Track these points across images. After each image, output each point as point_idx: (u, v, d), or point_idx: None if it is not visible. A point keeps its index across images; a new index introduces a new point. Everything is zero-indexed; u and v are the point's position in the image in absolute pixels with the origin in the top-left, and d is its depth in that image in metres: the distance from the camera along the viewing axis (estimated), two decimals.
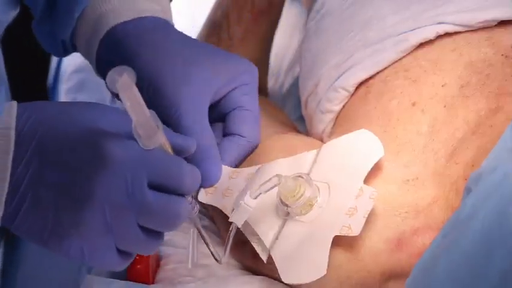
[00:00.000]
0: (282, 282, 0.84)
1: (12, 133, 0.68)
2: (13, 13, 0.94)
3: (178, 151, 0.73)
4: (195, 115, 0.83)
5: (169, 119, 0.83)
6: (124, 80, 0.62)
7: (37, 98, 1.51)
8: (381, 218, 0.79)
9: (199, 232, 0.81)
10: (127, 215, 0.68)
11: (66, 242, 0.68)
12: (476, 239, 0.64)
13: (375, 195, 0.78)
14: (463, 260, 0.64)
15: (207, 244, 0.82)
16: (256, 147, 0.89)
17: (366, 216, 0.78)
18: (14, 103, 0.69)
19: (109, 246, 0.69)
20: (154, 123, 0.67)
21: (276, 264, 0.80)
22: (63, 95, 1.32)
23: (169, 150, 0.71)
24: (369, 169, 0.81)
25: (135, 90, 0.64)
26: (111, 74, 0.62)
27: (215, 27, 1.15)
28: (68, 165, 0.68)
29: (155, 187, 0.69)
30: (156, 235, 0.71)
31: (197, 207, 0.77)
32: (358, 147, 0.83)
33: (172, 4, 1.44)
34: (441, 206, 0.80)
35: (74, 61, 1.40)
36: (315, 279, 0.78)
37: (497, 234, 0.62)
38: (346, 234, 0.78)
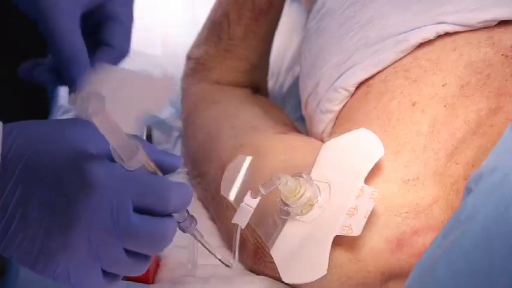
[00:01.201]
0: (283, 282, 0.84)
1: None
2: None
3: (163, 168, 0.73)
4: (66, 23, 0.84)
5: (43, 29, 0.84)
6: (94, 106, 0.61)
7: (37, 98, 1.51)
8: (381, 218, 0.79)
9: (203, 245, 0.81)
10: (112, 239, 0.68)
11: (52, 264, 0.68)
12: (476, 239, 0.64)
13: (376, 195, 0.78)
14: (463, 260, 0.64)
15: (213, 254, 0.82)
16: (125, 57, 0.90)
17: (367, 216, 0.78)
18: (0, 124, 0.69)
19: (94, 269, 0.69)
20: (133, 143, 0.67)
21: (276, 264, 0.80)
22: (64, 95, 1.31)
23: (153, 168, 0.70)
24: (370, 169, 0.81)
25: (107, 114, 0.63)
26: (80, 102, 0.61)
27: (215, 26, 1.15)
28: (54, 189, 0.68)
29: (141, 210, 0.69)
30: (143, 257, 0.71)
31: (195, 221, 0.77)
32: (359, 146, 0.83)
33: (172, 4, 1.44)
34: (441, 206, 0.80)
35: None
36: (315, 279, 0.78)
37: (498, 235, 0.62)
38: (346, 235, 0.78)
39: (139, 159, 0.67)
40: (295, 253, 0.80)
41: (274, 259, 0.81)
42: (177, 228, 0.76)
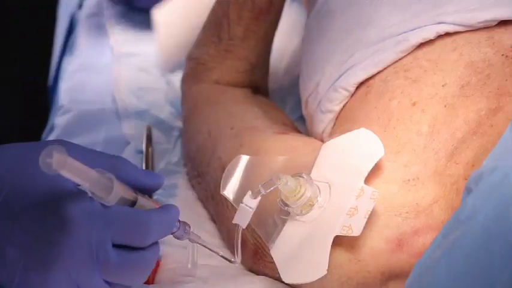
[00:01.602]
0: (283, 282, 0.84)
1: None
2: None
3: (146, 189, 0.73)
4: None
5: None
6: (56, 160, 0.61)
7: (37, 98, 1.51)
8: (382, 218, 0.79)
9: (205, 246, 0.81)
10: (93, 275, 0.68)
11: None
12: (476, 239, 0.64)
13: (376, 195, 0.78)
14: (463, 260, 0.64)
15: (216, 252, 0.82)
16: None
17: (367, 216, 0.78)
18: None
19: None
20: (106, 180, 0.67)
21: (277, 264, 0.81)
22: (64, 95, 1.31)
23: (133, 197, 0.71)
24: (370, 169, 0.81)
25: (72, 162, 0.63)
26: (42, 160, 0.61)
27: (215, 27, 1.15)
28: (31, 229, 0.68)
29: (121, 245, 0.69)
30: (124, 287, 0.72)
31: (188, 226, 0.78)
32: (359, 146, 0.83)
33: (172, 4, 1.44)
34: (442, 206, 0.80)
35: (74, 61, 1.40)
36: (315, 279, 0.78)
37: (498, 235, 0.62)
38: (346, 235, 0.78)
39: (116, 194, 0.67)
40: (295, 253, 0.80)
41: (274, 259, 0.81)
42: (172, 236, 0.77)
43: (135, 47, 1.41)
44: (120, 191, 0.68)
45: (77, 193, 0.69)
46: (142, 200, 0.72)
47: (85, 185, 0.66)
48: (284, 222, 0.82)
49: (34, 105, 1.50)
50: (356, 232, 0.77)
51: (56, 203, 0.68)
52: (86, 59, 1.39)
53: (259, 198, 0.80)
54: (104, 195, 0.67)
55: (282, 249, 0.81)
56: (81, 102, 1.28)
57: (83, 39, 1.44)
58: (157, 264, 0.92)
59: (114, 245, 0.69)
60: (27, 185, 0.69)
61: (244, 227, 0.81)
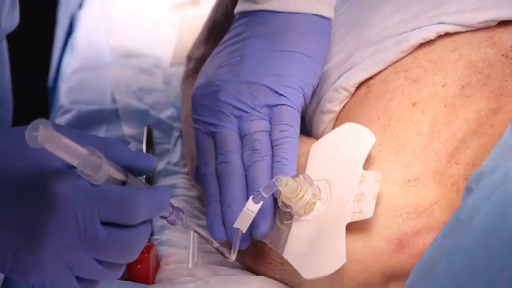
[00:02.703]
0: (282, 282, 0.84)
1: None
2: (15, 22, 0.94)
3: (137, 171, 0.72)
4: None
5: None
6: (43, 134, 0.61)
7: (37, 97, 1.51)
8: (382, 219, 0.79)
9: (199, 234, 0.81)
10: (82, 253, 0.68)
11: (26, 278, 0.68)
12: (476, 239, 0.64)
13: (379, 176, 0.78)
14: (464, 261, 0.64)
15: (210, 243, 0.82)
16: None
17: (375, 197, 0.77)
18: None
19: (69, 280, 0.69)
20: (95, 158, 0.66)
21: (293, 265, 0.80)
22: (64, 95, 1.31)
23: (121, 177, 0.70)
24: (365, 155, 0.81)
25: (59, 136, 0.63)
26: (28, 133, 0.61)
27: (215, 26, 1.15)
28: (18, 209, 0.67)
29: (109, 223, 0.68)
30: (117, 265, 0.71)
31: (181, 212, 0.77)
32: (348, 138, 0.84)
33: (172, 5, 1.44)
34: (442, 207, 0.80)
35: (74, 61, 1.40)
36: (336, 269, 0.77)
37: (498, 234, 0.62)
38: (359, 219, 0.78)
39: (104, 173, 0.66)
40: (309, 250, 0.80)
41: (289, 261, 0.81)
42: (169, 224, 0.76)
43: (135, 48, 1.41)
44: (109, 170, 0.67)
45: (63, 171, 0.68)
46: (132, 181, 0.71)
47: (73, 162, 0.65)
48: (289, 226, 0.82)
49: (34, 105, 1.50)
50: (368, 214, 0.77)
51: (42, 181, 0.67)
52: (86, 59, 1.39)
53: (261, 202, 0.80)
54: (93, 173, 0.66)
55: (294, 250, 0.81)
56: (81, 102, 1.28)
57: (82, 39, 1.44)
58: (158, 264, 0.92)
59: (103, 223, 0.68)
60: (13, 165, 0.68)
61: (244, 231, 0.81)
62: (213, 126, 0.90)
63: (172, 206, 0.76)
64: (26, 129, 0.61)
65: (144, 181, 0.86)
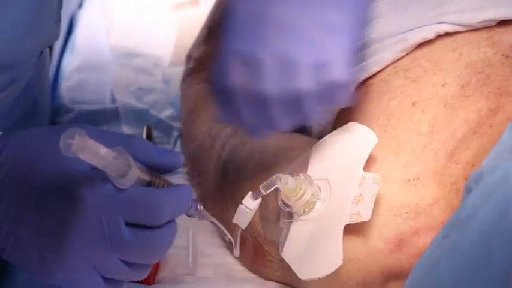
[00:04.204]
0: (283, 280, 0.84)
1: None
2: (57, 36, 0.94)
3: (163, 169, 0.72)
4: None
5: None
6: (77, 142, 0.61)
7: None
8: (382, 218, 0.79)
9: (215, 224, 0.80)
10: (108, 255, 0.68)
11: (53, 278, 0.69)
12: (476, 239, 0.64)
13: (378, 179, 0.78)
14: (463, 260, 0.64)
15: (224, 232, 0.81)
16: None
17: (374, 200, 0.77)
18: None
19: (95, 280, 0.69)
20: (124, 163, 0.66)
21: (289, 264, 0.80)
22: (63, 94, 1.31)
23: (148, 178, 0.70)
24: (366, 157, 0.81)
25: (92, 144, 0.63)
26: (63, 140, 0.61)
27: (215, 26, 1.15)
28: (44, 211, 0.68)
29: (134, 224, 0.69)
30: (142, 265, 0.71)
31: (199, 205, 0.76)
32: (350, 138, 0.83)
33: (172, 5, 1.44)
34: (442, 206, 0.80)
35: (74, 60, 1.40)
36: (332, 271, 0.77)
37: (497, 234, 0.62)
38: (356, 222, 0.78)
39: (131, 177, 0.67)
40: (306, 250, 0.80)
41: (287, 261, 0.81)
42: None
43: (135, 47, 1.41)
44: (136, 174, 0.68)
45: (89, 174, 0.68)
46: (157, 181, 0.71)
47: (101, 166, 0.66)
48: (289, 225, 0.82)
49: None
50: (365, 217, 0.77)
51: (69, 184, 0.68)
52: (85, 58, 1.39)
53: (259, 199, 0.80)
54: (120, 177, 0.66)
55: (292, 249, 0.81)
56: (81, 102, 1.28)
57: (82, 38, 1.44)
58: (158, 265, 0.92)
59: (128, 224, 0.68)
60: (42, 167, 0.69)
61: (243, 228, 0.81)
62: None
63: (192, 200, 0.76)
64: (53, 129, 0.62)
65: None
